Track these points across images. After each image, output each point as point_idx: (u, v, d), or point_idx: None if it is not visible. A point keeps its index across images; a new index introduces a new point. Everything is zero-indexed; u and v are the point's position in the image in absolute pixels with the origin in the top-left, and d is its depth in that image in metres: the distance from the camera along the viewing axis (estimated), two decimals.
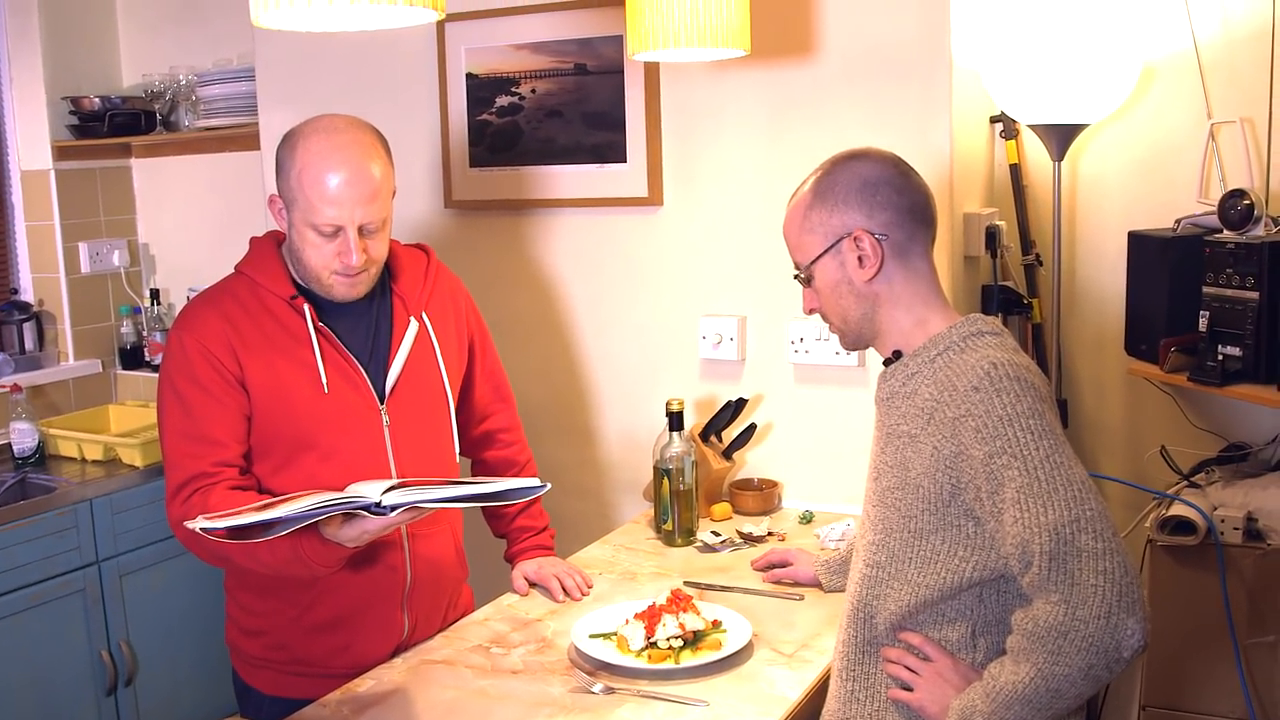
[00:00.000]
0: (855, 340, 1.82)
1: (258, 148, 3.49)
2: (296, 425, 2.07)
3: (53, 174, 3.88)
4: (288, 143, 2.05)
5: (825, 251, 1.75)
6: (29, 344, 3.86)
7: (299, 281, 2.11)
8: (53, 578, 3.21)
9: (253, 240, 2.19)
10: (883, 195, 1.73)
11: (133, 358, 4.06)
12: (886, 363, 1.79)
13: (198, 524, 1.74)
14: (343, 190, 1.99)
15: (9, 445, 3.57)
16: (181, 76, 3.81)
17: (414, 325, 2.19)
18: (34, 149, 3.89)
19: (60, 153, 3.88)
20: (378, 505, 1.78)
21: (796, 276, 1.82)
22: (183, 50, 3.90)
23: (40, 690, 3.18)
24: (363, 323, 2.15)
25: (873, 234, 1.72)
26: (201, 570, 3.57)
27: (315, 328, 2.08)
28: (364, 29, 1.77)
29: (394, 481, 1.84)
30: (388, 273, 2.19)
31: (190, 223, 4.04)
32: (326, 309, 2.11)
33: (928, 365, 1.71)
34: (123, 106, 3.81)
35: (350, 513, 1.80)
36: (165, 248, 4.13)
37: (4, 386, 3.61)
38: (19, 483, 3.46)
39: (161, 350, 3.95)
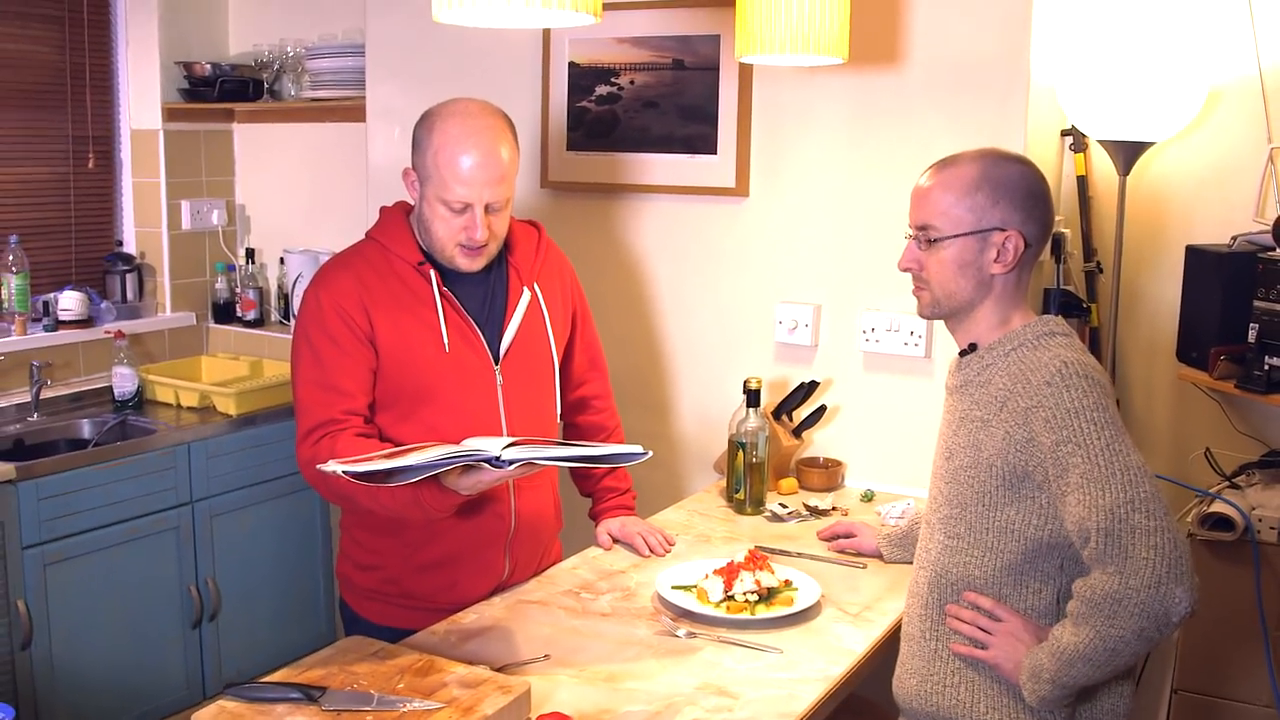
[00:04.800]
0: (941, 311, 1.96)
1: (360, 119, 3.68)
2: (419, 380, 2.25)
3: (161, 134, 4.08)
4: (425, 122, 2.24)
5: (973, 233, 1.88)
6: (130, 294, 4.06)
7: (424, 249, 2.30)
8: (149, 514, 3.41)
9: (383, 209, 2.38)
10: (1040, 210, 1.90)
11: (225, 313, 4.25)
12: (962, 354, 1.97)
13: (335, 468, 1.90)
14: (474, 171, 2.17)
15: (109, 389, 3.78)
16: (289, 48, 4.00)
17: (527, 294, 2.37)
18: (145, 109, 4.10)
19: (169, 114, 4.08)
20: (497, 459, 1.94)
21: (920, 237, 1.91)
22: (288, 23, 4.09)
23: (132, 619, 3.40)
24: (481, 289, 2.33)
25: (1025, 239, 1.88)
26: (287, 516, 3.78)
27: (440, 292, 2.27)
28: (528, 26, 1.93)
29: (510, 440, 1.99)
30: (504, 245, 2.36)
31: (286, 188, 4.24)
32: (449, 275, 2.29)
33: (1002, 359, 1.90)
34: (232, 74, 4.01)
35: (469, 464, 1.97)
36: (260, 210, 4.33)
37: (109, 333, 3.83)
38: (120, 424, 3.66)
39: (253, 306, 4.18)
